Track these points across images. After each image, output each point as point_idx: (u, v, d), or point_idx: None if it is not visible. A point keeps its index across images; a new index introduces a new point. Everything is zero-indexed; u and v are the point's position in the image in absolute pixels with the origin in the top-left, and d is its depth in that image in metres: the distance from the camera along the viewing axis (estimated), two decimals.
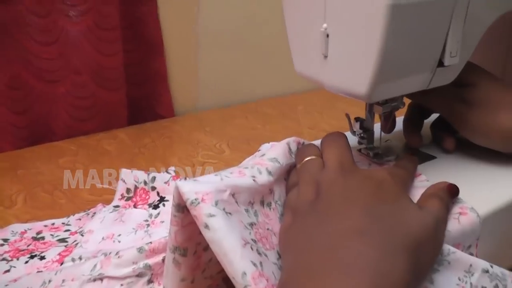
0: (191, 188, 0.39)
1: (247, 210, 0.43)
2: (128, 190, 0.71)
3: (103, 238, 0.62)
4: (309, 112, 1.19)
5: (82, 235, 0.64)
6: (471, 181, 0.55)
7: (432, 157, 0.61)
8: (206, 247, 0.44)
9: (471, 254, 0.47)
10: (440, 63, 0.51)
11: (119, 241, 0.62)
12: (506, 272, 0.44)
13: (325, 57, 0.51)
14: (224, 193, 0.41)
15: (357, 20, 0.46)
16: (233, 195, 0.42)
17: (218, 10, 1.20)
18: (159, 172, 0.74)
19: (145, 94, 1.12)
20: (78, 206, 0.73)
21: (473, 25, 0.52)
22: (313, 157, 0.48)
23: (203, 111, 1.22)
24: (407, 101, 0.59)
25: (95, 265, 0.53)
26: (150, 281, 0.52)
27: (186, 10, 1.15)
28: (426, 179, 0.54)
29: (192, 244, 0.43)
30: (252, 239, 0.40)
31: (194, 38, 1.17)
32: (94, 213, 0.69)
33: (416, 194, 0.50)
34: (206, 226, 0.38)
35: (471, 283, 0.43)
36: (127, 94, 1.06)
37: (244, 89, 1.29)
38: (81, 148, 0.95)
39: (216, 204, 0.39)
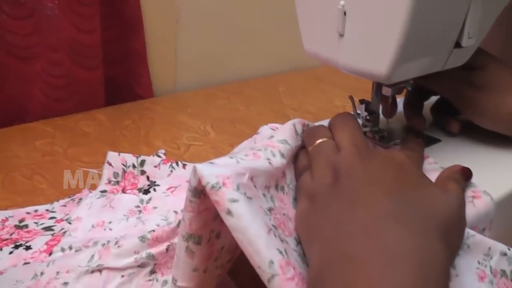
0: (211, 172, 0.37)
1: (264, 195, 0.40)
2: (115, 174, 0.68)
3: (93, 226, 0.59)
4: (292, 93, 1.16)
5: (69, 223, 0.60)
6: (480, 165, 0.54)
7: (437, 140, 0.60)
8: (219, 234, 0.41)
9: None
10: (457, 44, 0.50)
11: (110, 229, 0.59)
12: None
13: (341, 35, 0.48)
14: (244, 176, 0.38)
15: None
16: (251, 178, 0.39)
17: None
18: (146, 155, 0.71)
19: (123, 73, 1.07)
20: (61, 192, 0.69)
21: (490, 7, 0.51)
22: (325, 139, 0.46)
23: (183, 92, 1.18)
24: None
25: (92, 256, 0.50)
26: (152, 272, 0.49)
27: None
28: (434, 161, 0.53)
29: (206, 231, 0.40)
30: (273, 225, 0.38)
31: (174, 15, 1.12)
32: (80, 199, 0.65)
33: (429, 177, 0.48)
34: (229, 212, 0.35)
35: (490, 267, 0.42)
36: (104, 73, 1.01)
37: (224, 69, 1.26)
38: (58, 129, 0.90)
39: (238, 188, 0.37)
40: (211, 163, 0.39)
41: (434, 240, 0.36)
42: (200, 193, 0.38)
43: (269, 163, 0.42)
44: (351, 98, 0.58)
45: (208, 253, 0.41)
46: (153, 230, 0.50)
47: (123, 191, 0.66)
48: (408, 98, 0.64)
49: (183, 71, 1.19)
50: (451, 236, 0.39)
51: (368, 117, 0.57)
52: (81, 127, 0.92)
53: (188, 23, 1.16)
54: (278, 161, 0.43)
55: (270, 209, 0.40)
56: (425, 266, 0.33)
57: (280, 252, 0.36)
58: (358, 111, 0.58)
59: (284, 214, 0.42)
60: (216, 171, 0.37)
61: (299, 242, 0.41)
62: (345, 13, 0.47)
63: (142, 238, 0.49)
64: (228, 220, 0.35)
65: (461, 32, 0.49)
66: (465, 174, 0.47)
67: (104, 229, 0.59)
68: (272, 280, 0.34)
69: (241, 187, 0.37)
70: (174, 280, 0.41)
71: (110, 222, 0.60)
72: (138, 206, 0.63)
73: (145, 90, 1.09)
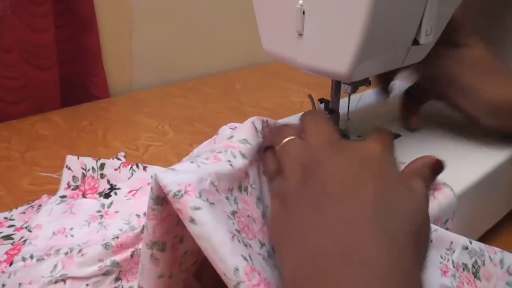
0: (172, 179, 0.36)
1: (227, 198, 0.40)
2: (74, 178, 0.67)
3: (53, 233, 0.58)
4: (248, 90, 1.16)
5: (29, 231, 0.58)
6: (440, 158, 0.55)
7: (397, 136, 0.61)
8: (182, 239, 0.41)
9: (448, 228, 0.48)
10: (415, 42, 0.50)
11: (72, 235, 0.58)
12: (483, 246, 0.44)
13: (300, 35, 0.48)
14: (206, 182, 0.38)
15: None
16: (213, 183, 0.39)
17: None
18: (105, 157, 0.69)
19: (78, 73, 1.05)
20: (19, 198, 0.67)
21: (446, 4, 0.52)
22: (292, 137, 0.44)
23: (139, 91, 1.16)
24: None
25: (55, 265, 0.49)
26: (117, 279, 0.49)
27: None
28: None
29: (170, 237, 0.40)
30: (236, 230, 0.38)
31: (128, 13, 1.11)
32: (40, 205, 0.64)
33: None
34: (192, 220, 0.35)
35: (452, 261, 0.43)
36: (59, 73, 0.99)
37: (179, 66, 1.25)
38: (14, 133, 0.88)
39: (200, 195, 0.36)
40: (172, 169, 0.39)
41: (409, 249, 0.35)
42: (162, 201, 0.38)
43: (230, 165, 0.42)
44: (310, 97, 0.58)
45: (173, 259, 0.41)
46: (117, 237, 0.49)
47: (84, 195, 0.65)
48: (405, 99, 0.65)
49: (139, 70, 1.18)
50: (422, 238, 0.38)
51: (328, 116, 0.58)
52: (37, 130, 0.90)
53: (142, 21, 1.14)
54: (239, 162, 0.43)
55: (233, 213, 0.39)
56: (404, 273, 0.33)
57: (245, 259, 0.35)
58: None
59: (248, 216, 0.41)
60: (177, 179, 0.37)
61: (263, 244, 0.41)
62: (304, 12, 0.47)
63: (106, 246, 0.48)
64: (192, 228, 0.35)
65: (419, 30, 0.50)
66: (436, 168, 0.46)
67: (66, 236, 0.57)
68: (238, 287, 0.34)
69: (203, 194, 0.37)
70: None
71: (71, 229, 0.59)
72: (99, 211, 0.62)
73: (101, 90, 1.08)
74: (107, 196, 0.64)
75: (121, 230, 0.58)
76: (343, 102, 0.57)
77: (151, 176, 0.38)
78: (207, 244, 0.35)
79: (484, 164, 0.55)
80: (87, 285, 0.48)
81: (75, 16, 1.00)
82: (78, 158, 0.68)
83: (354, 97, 0.66)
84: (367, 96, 0.72)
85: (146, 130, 0.91)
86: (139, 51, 1.16)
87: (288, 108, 1.02)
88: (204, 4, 1.24)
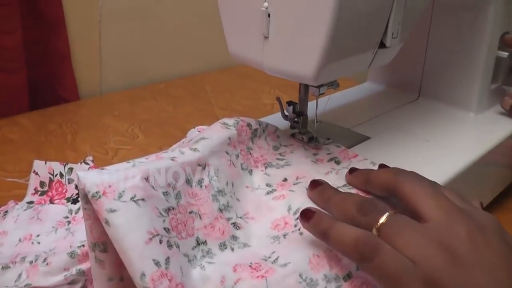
0: (93, 180, 0.37)
1: (166, 193, 0.41)
2: (42, 184, 0.66)
3: (20, 240, 0.57)
4: (219, 92, 1.16)
5: None
6: (411, 159, 0.56)
7: (366, 138, 0.61)
8: None
9: None
10: (381, 45, 0.51)
11: (38, 242, 0.57)
12: None
13: (266, 37, 0.48)
14: (134, 178, 0.39)
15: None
16: (146, 178, 0.39)
17: None
18: (74, 162, 0.68)
19: (47, 76, 1.04)
20: None
21: (413, 7, 0.52)
22: (392, 212, 0.39)
23: (108, 94, 1.15)
24: (342, 82, 0.57)
25: (19, 274, 0.48)
26: None
27: None
28: (364, 158, 0.54)
29: None
30: (165, 228, 0.38)
31: (97, 15, 1.10)
32: (6, 211, 0.63)
33: None
34: (107, 222, 0.36)
35: None
36: (27, 76, 0.97)
37: (150, 69, 1.24)
38: None
39: (120, 196, 0.37)
40: (102, 169, 0.39)
41: None
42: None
43: (172, 160, 0.42)
44: (278, 99, 0.58)
45: (120, 260, 0.40)
46: (83, 245, 0.48)
47: (51, 201, 0.64)
48: None
49: (108, 72, 1.17)
50: None
51: (296, 119, 0.57)
52: (4, 134, 0.89)
53: (112, 23, 1.13)
54: (187, 156, 0.44)
55: (168, 210, 0.40)
56: None
57: (157, 264, 0.36)
58: (286, 113, 0.58)
59: (191, 212, 0.42)
60: (98, 179, 0.37)
61: (202, 243, 0.41)
62: (269, 15, 0.47)
63: (72, 254, 0.48)
64: (107, 230, 0.36)
65: (385, 33, 0.50)
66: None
67: (32, 243, 0.56)
68: None
69: (128, 192, 0.37)
70: None
71: (38, 235, 0.57)
72: (67, 217, 0.61)
73: (70, 93, 1.06)
74: (75, 201, 0.63)
75: None
76: (311, 105, 0.57)
77: (77, 175, 0.38)
78: (118, 247, 0.36)
79: (452, 165, 0.56)
80: None
81: (43, 17, 0.99)
82: (45, 163, 0.67)
83: (322, 100, 0.66)
84: (335, 98, 0.72)
85: (115, 133, 0.91)
86: (109, 54, 1.15)
87: (259, 110, 1.01)
88: (174, 5, 1.24)
